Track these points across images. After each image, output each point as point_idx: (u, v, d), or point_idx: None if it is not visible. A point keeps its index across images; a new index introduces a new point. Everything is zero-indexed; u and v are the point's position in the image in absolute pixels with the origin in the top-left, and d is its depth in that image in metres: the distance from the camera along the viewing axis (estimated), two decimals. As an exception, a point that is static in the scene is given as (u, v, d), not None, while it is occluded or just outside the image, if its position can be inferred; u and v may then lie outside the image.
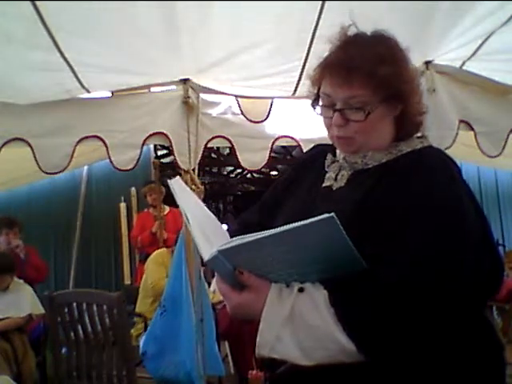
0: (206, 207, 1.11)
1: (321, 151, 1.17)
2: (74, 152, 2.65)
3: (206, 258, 0.87)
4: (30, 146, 2.61)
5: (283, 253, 0.86)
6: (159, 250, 4.18)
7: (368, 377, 0.89)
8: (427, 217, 0.90)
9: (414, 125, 1.06)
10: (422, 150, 1.02)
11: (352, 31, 1.04)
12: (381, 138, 1.04)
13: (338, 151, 1.11)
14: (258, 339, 0.88)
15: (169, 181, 1.04)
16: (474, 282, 0.89)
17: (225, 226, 1.13)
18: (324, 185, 1.08)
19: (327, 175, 1.10)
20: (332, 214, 0.80)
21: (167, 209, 5.02)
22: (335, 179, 1.07)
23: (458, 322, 0.89)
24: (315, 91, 1.06)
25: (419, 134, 1.08)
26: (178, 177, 1.07)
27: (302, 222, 0.82)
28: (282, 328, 0.87)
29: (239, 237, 0.85)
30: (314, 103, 1.06)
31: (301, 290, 0.89)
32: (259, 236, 0.84)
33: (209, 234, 0.95)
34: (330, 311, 0.86)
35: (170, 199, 4.94)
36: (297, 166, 1.25)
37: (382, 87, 0.98)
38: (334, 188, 1.06)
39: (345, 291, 0.87)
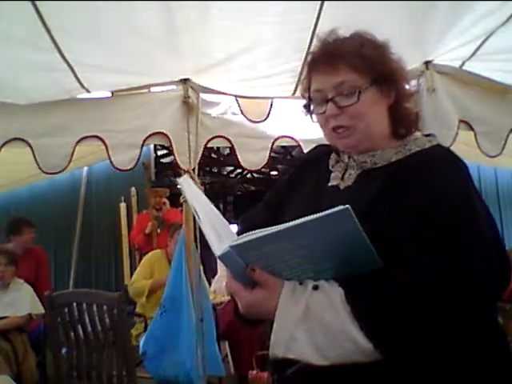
0: (213, 206, 1.10)
1: (324, 151, 1.16)
2: (73, 152, 2.65)
3: (217, 253, 0.84)
4: (29, 146, 2.61)
5: (297, 248, 0.84)
6: (155, 251, 4.23)
7: (379, 378, 0.87)
8: (440, 216, 0.89)
9: (409, 113, 1.07)
10: (431, 149, 1.02)
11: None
12: (378, 126, 1.03)
13: (341, 152, 1.10)
14: (271, 339, 0.86)
15: (178, 179, 1.05)
16: (487, 281, 0.88)
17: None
18: (330, 184, 1.07)
19: (333, 174, 1.09)
20: (347, 206, 0.79)
21: (169, 209, 5.02)
22: (342, 178, 1.06)
23: (472, 322, 0.88)
24: (307, 95, 1.07)
25: (426, 133, 1.08)
26: (186, 175, 1.09)
27: (317, 215, 0.80)
28: (296, 327, 0.84)
29: (251, 232, 0.82)
30: (307, 106, 1.07)
31: (315, 287, 0.86)
32: (273, 230, 0.81)
33: (219, 230, 0.92)
34: (347, 309, 0.83)
35: (172, 200, 4.94)
36: (299, 166, 1.24)
37: (369, 68, 0.99)
38: (342, 187, 1.05)
39: (361, 289, 0.85)
